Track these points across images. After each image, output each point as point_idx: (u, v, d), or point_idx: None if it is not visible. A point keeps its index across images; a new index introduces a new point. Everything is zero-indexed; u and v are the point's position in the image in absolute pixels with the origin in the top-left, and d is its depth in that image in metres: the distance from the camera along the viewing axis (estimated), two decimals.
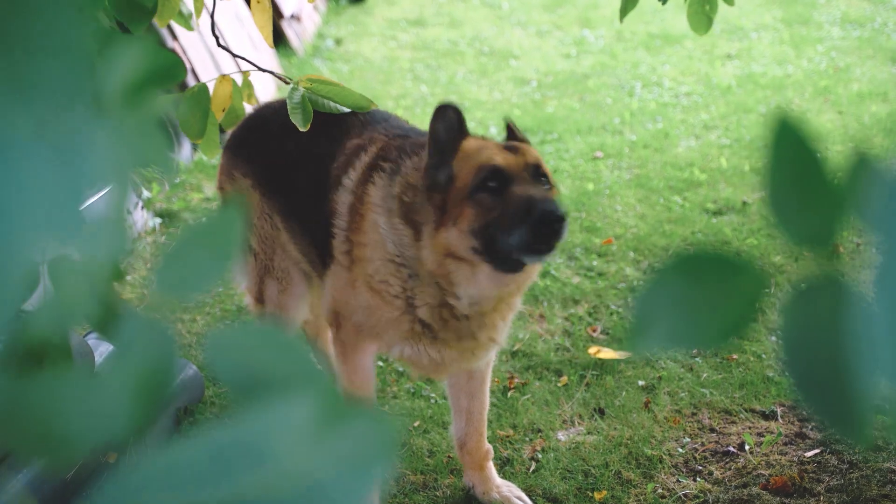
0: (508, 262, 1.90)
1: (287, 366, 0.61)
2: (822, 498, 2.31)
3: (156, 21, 1.88)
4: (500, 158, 1.93)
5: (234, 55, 2.08)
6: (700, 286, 0.65)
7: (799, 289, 0.64)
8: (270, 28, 2.01)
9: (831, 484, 2.36)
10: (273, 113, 2.56)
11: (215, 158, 5.15)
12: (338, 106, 1.85)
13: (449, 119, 1.97)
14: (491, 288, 1.99)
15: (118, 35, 0.63)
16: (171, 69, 0.62)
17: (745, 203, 4.37)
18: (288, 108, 1.78)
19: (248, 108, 2.24)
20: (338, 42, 8.20)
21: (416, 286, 2.04)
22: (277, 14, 7.17)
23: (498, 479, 2.43)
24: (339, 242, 2.17)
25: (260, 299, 2.59)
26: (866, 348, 0.55)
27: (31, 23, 0.58)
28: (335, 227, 2.18)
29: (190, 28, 2.23)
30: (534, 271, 2.08)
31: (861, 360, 0.56)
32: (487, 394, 2.42)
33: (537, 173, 1.96)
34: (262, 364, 0.64)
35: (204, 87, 1.87)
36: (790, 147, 0.62)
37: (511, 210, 1.85)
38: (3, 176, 0.52)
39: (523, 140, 2.15)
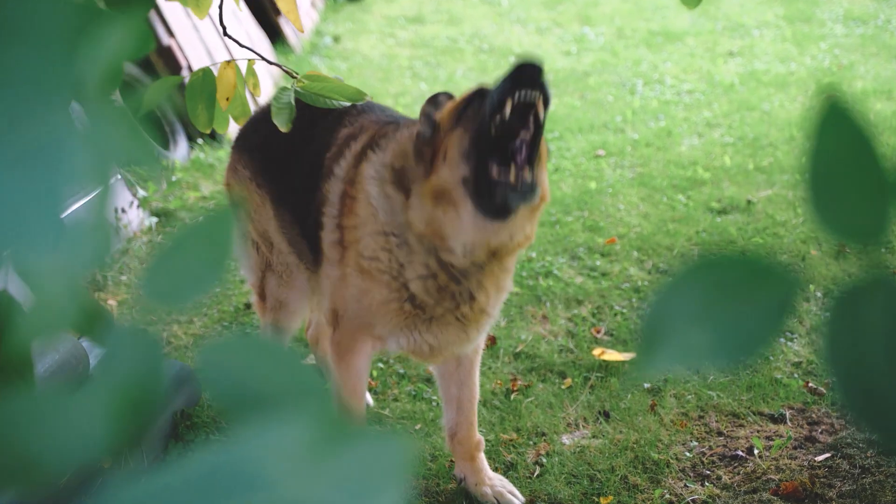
0: (494, 199, 1.86)
1: (284, 381, 0.55)
2: None
3: (192, 11, 1.84)
4: (483, 86, 1.97)
5: (241, 45, 2.01)
6: (722, 294, 0.58)
7: (844, 292, 0.58)
8: (297, 13, 1.95)
9: (843, 489, 2.30)
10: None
11: (212, 157, 5.08)
12: (335, 102, 1.80)
13: (440, 103, 2.01)
14: (479, 233, 1.93)
15: (101, 12, 0.57)
16: (145, 43, 0.57)
17: (749, 202, 4.32)
18: (272, 108, 1.73)
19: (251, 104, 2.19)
20: (336, 39, 8.14)
21: (407, 257, 2.00)
22: (275, 11, 7.12)
23: (490, 471, 2.39)
24: (329, 232, 2.14)
25: (263, 295, 2.57)
26: None
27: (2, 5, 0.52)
28: (325, 216, 2.15)
29: (201, 16, 2.18)
30: (518, 223, 1.97)
31: None
32: (477, 382, 2.38)
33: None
34: (258, 378, 0.58)
35: (209, 71, 1.80)
36: (839, 132, 0.56)
37: (492, 97, 1.86)
38: None
39: None
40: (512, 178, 1.83)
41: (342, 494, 0.48)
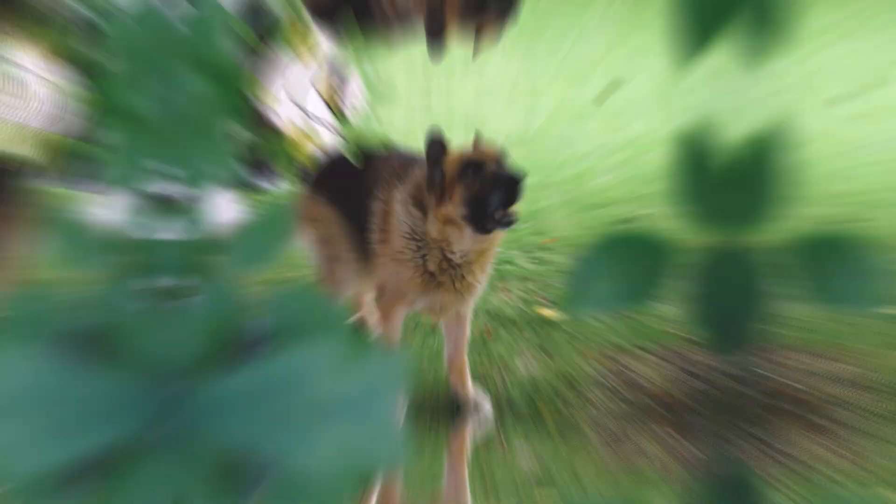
0: (485, 226, 2.95)
1: (317, 318, 0.72)
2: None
3: None
4: (475, 154, 2.79)
5: (308, 114, 3.20)
6: (620, 259, 0.76)
7: (709, 258, 0.76)
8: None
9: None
10: (342, 156, 3.62)
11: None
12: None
13: (436, 143, 2.82)
14: (473, 244, 3.00)
15: None
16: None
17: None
18: (345, 151, 2.75)
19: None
20: None
21: (426, 251, 3.12)
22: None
23: (471, 385, 3.35)
24: (376, 234, 3.42)
25: (331, 280, 3.51)
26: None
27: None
28: (373, 224, 3.45)
29: None
30: (496, 237, 2.83)
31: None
32: (468, 328, 3.38)
33: (500, 160, 3.02)
34: (298, 315, 0.74)
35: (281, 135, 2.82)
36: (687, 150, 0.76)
37: (488, 180, 2.91)
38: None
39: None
40: (497, 217, 2.86)
41: (358, 392, 0.66)
